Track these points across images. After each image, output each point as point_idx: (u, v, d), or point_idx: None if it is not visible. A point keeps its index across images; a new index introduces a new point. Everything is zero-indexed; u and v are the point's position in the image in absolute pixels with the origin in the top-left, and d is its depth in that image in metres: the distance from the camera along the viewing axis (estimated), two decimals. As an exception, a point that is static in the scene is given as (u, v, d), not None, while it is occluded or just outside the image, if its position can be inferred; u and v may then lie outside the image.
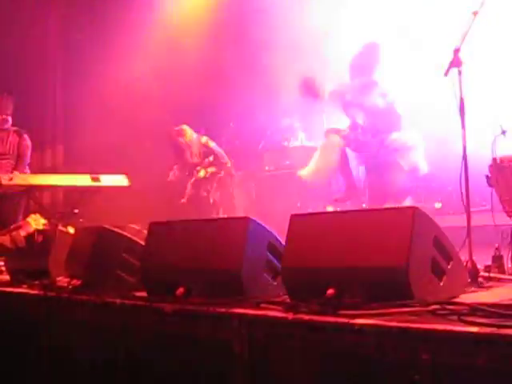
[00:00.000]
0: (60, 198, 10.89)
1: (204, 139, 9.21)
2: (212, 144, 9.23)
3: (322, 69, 9.29)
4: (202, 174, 9.05)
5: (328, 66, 9.33)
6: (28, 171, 8.49)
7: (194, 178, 9.12)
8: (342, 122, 9.55)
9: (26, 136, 8.56)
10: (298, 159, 9.35)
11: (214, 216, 8.88)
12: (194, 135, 9.18)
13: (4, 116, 8.41)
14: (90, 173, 7.87)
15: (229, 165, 9.40)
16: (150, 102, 10.45)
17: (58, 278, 4.53)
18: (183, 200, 9.20)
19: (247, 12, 10.26)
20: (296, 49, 9.54)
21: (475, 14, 4.24)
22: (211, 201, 9.09)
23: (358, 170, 9.29)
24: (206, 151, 9.14)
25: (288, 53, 9.54)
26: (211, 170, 9.09)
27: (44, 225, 5.26)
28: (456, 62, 4.06)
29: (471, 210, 3.99)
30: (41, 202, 8.11)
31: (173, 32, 10.81)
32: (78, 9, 11.53)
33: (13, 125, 8.54)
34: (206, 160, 9.10)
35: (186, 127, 9.14)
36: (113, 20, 10.80)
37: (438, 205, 8.23)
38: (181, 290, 3.31)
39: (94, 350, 3.75)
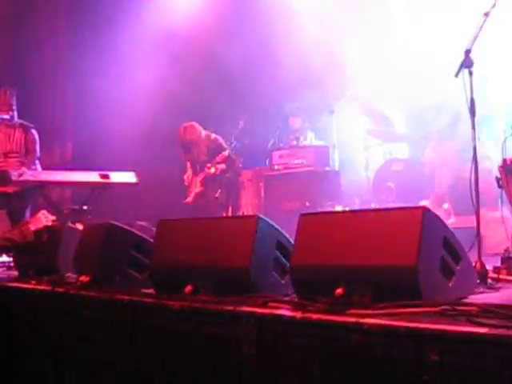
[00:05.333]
0: (69, 194, 10.92)
1: (213, 136, 9.20)
2: (221, 141, 9.22)
3: (330, 67, 9.33)
4: (212, 170, 9.04)
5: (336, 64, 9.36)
6: (39, 167, 8.51)
7: (203, 176, 9.10)
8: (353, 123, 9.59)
9: (33, 131, 8.56)
10: (307, 158, 9.35)
11: (221, 215, 8.88)
12: (203, 132, 9.16)
13: (10, 112, 8.42)
14: (98, 170, 7.88)
15: (236, 163, 9.40)
16: (160, 99, 10.46)
17: (67, 274, 4.56)
18: (188, 199, 9.18)
19: (256, 9, 10.27)
20: (305, 48, 9.55)
21: (486, 15, 4.23)
22: (218, 199, 9.07)
23: (368, 171, 9.31)
24: (215, 148, 9.12)
25: (298, 50, 9.54)
26: (221, 166, 9.08)
27: (53, 221, 5.28)
28: (467, 63, 4.05)
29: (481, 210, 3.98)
30: (50, 199, 8.11)
31: (183, 30, 10.82)
32: (87, 7, 11.54)
33: (19, 119, 8.57)
34: (220, 155, 9.08)
35: (195, 124, 9.13)
36: (123, 18, 10.82)
37: (445, 205, 8.21)
38: (189, 288, 3.31)
39: (102, 346, 3.75)
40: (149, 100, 10.68)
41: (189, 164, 9.28)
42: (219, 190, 9.07)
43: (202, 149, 9.10)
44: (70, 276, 4.50)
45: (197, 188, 9.14)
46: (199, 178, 9.13)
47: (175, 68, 10.52)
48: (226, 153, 9.10)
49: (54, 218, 5.43)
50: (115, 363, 3.65)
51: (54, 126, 11.65)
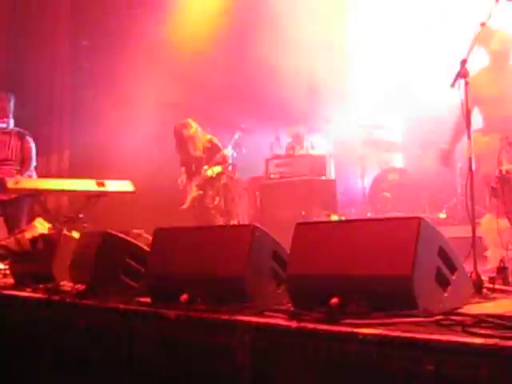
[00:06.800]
0: (65, 202, 10.91)
1: (208, 136, 9.08)
2: (216, 141, 9.09)
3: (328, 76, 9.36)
4: (209, 173, 8.91)
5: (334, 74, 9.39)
6: (35, 175, 8.50)
7: (198, 180, 8.96)
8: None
9: (28, 138, 8.54)
10: (303, 167, 9.37)
11: (217, 222, 8.83)
12: (199, 129, 9.05)
13: (5, 119, 8.41)
14: (95, 178, 7.87)
15: (230, 168, 9.28)
16: (158, 108, 10.48)
17: (62, 283, 4.54)
18: (184, 206, 9.09)
19: (258, 19, 10.31)
20: (306, 56, 9.59)
21: (482, 25, 4.25)
22: (216, 205, 8.99)
23: (365, 180, 9.33)
24: (210, 148, 8.99)
25: (297, 60, 9.57)
26: (217, 170, 8.96)
27: (49, 229, 5.27)
28: (463, 73, 4.06)
29: (476, 220, 3.98)
30: (46, 207, 8.10)
31: (182, 38, 10.84)
32: (86, 15, 11.57)
33: (16, 126, 8.57)
34: (220, 155, 8.95)
35: (190, 121, 9.04)
36: (121, 26, 10.85)
37: (442, 215, 8.24)
38: (185, 297, 3.31)
39: (97, 354, 3.75)
40: (147, 108, 10.70)
41: (183, 169, 9.18)
42: (217, 198, 8.99)
43: (197, 145, 8.97)
44: (66, 284, 4.49)
45: (193, 192, 9.02)
46: (195, 182, 9.01)
47: (174, 77, 10.53)
48: (226, 151, 8.98)
49: (49, 225, 5.43)
50: (111, 372, 3.65)
51: (50, 133, 11.65)
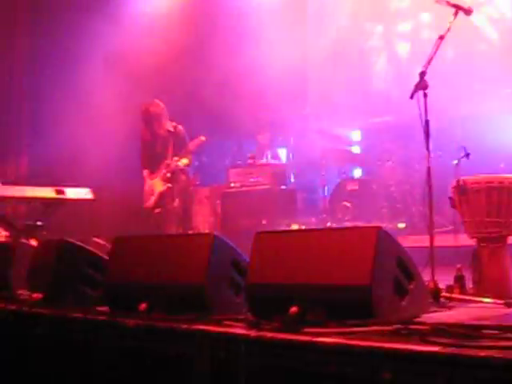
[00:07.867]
0: (23, 210, 10.76)
1: (173, 123, 8.87)
2: (181, 128, 8.86)
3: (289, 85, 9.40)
4: (184, 161, 8.65)
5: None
6: None
7: (169, 171, 8.66)
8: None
9: None
10: (264, 176, 9.38)
11: (176, 229, 8.68)
12: (165, 110, 8.85)
13: None
14: (54, 185, 7.78)
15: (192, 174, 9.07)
16: (119, 113, 10.38)
17: (19, 291, 4.48)
18: (149, 203, 8.80)
19: (218, 30, 10.33)
20: (265, 64, 9.63)
21: (441, 38, 4.31)
22: (175, 205, 8.79)
23: (325, 189, 9.38)
24: (175, 134, 8.75)
25: (257, 69, 9.60)
26: (185, 161, 8.73)
27: (6, 236, 5.21)
28: (422, 85, 4.11)
29: (434, 230, 4.03)
30: (3, 214, 7.98)
31: (145, 45, 10.79)
32: (46, 20, 11.45)
33: None
34: (195, 141, 8.72)
35: (157, 101, 8.88)
36: (83, 26, 10.75)
37: (401, 225, 8.31)
38: (144, 306, 3.29)
39: (55, 364, 3.70)
40: (107, 114, 10.61)
41: (146, 172, 8.93)
42: (177, 199, 8.79)
43: (163, 123, 8.79)
44: (23, 293, 4.43)
45: (160, 187, 8.72)
46: (162, 176, 8.69)
47: (136, 84, 10.47)
48: (203, 138, 8.74)
49: (7, 233, 5.36)
50: (68, 381, 3.60)
51: (9, 140, 11.50)
